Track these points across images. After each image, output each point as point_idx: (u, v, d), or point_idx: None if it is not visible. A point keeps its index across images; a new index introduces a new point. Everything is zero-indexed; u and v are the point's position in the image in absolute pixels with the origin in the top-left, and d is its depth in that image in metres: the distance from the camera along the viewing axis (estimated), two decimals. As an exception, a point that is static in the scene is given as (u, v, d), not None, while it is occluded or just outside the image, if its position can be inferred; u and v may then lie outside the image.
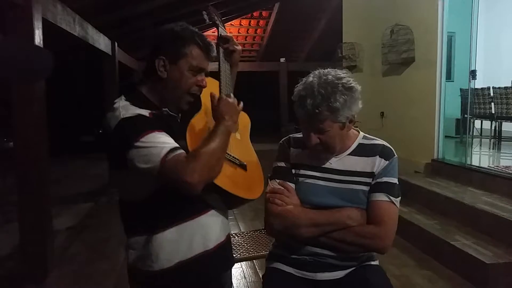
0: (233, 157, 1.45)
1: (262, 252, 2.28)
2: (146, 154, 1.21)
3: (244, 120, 1.65)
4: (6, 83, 2.76)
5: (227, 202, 1.45)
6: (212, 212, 1.43)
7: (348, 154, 1.54)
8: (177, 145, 1.26)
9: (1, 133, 8.56)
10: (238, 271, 3.24)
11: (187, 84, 1.38)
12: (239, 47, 1.62)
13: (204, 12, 1.59)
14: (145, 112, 1.31)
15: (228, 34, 1.60)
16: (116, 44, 6.32)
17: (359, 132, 1.60)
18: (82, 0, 4.13)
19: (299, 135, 1.61)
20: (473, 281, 2.96)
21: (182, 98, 1.39)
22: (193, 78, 1.38)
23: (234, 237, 2.50)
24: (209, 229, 1.41)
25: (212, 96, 1.42)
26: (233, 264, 1.61)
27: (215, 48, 1.45)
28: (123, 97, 1.35)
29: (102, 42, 5.48)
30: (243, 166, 1.48)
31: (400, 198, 1.49)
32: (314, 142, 1.45)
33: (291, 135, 1.67)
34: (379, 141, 1.57)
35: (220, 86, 1.50)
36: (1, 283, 3.12)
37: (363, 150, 1.54)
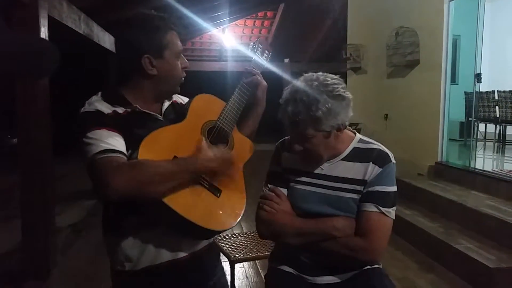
0: (203, 178, 1.30)
1: (264, 252, 2.26)
2: (85, 150, 1.18)
3: (244, 146, 1.52)
4: (12, 78, 2.76)
5: (179, 227, 1.25)
6: None
7: (342, 159, 1.47)
8: (118, 148, 1.19)
9: (5, 130, 8.58)
10: (240, 271, 3.24)
11: (178, 72, 1.37)
12: (264, 82, 1.58)
13: (255, 42, 1.62)
14: (108, 109, 1.26)
15: (257, 69, 1.58)
16: (120, 42, 6.31)
17: (355, 134, 1.52)
18: (87, -2, 4.14)
19: None
20: (476, 285, 2.95)
21: (176, 85, 1.39)
22: (179, 64, 1.37)
23: (237, 237, 2.50)
24: (180, 236, 1.32)
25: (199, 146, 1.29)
26: (216, 273, 1.50)
27: (179, 24, 1.38)
28: (99, 93, 1.33)
29: (107, 40, 5.48)
30: (214, 191, 1.32)
31: (395, 207, 1.43)
32: (297, 149, 1.41)
33: (286, 138, 1.60)
34: (376, 145, 1.48)
35: (221, 113, 1.43)
36: (4, 280, 3.13)
37: (357, 155, 1.46)
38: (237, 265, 2.37)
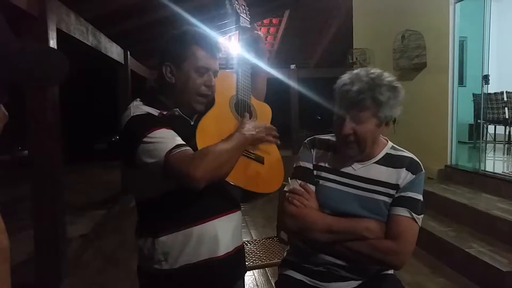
0: (248, 151, 1.45)
1: (274, 260, 2.26)
2: (153, 149, 1.24)
3: (265, 110, 1.64)
4: (22, 88, 2.80)
5: (241, 197, 1.48)
6: (222, 219, 1.44)
7: (374, 163, 1.48)
8: (183, 142, 1.27)
9: (16, 142, 8.69)
10: (251, 279, 3.23)
11: (195, 86, 1.39)
12: (261, 33, 1.62)
13: (227, 1, 1.61)
14: (154, 112, 1.35)
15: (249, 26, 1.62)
16: (128, 53, 6.39)
17: (387, 142, 1.54)
18: (94, 10, 4.19)
19: (325, 136, 1.58)
20: (489, 289, 2.91)
21: (193, 100, 1.41)
22: (200, 79, 1.39)
23: (247, 245, 2.49)
24: (217, 236, 1.41)
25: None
26: (244, 275, 1.62)
27: (220, 46, 1.45)
28: (138, 99, 1.40)
29: (114, 51, 5.54)
30: (259, 160, 1.49)
31: (422, 215, 1.43)
32: (348, 132, 1.38)
33: (317, 136, 1.62)
34: (407, 154, 1.51)
35: (237, 86, 1.52)
36: (16, 290, 3.15)
37: (390, 161, 1.48)
38: (247, 273, 2.37)
